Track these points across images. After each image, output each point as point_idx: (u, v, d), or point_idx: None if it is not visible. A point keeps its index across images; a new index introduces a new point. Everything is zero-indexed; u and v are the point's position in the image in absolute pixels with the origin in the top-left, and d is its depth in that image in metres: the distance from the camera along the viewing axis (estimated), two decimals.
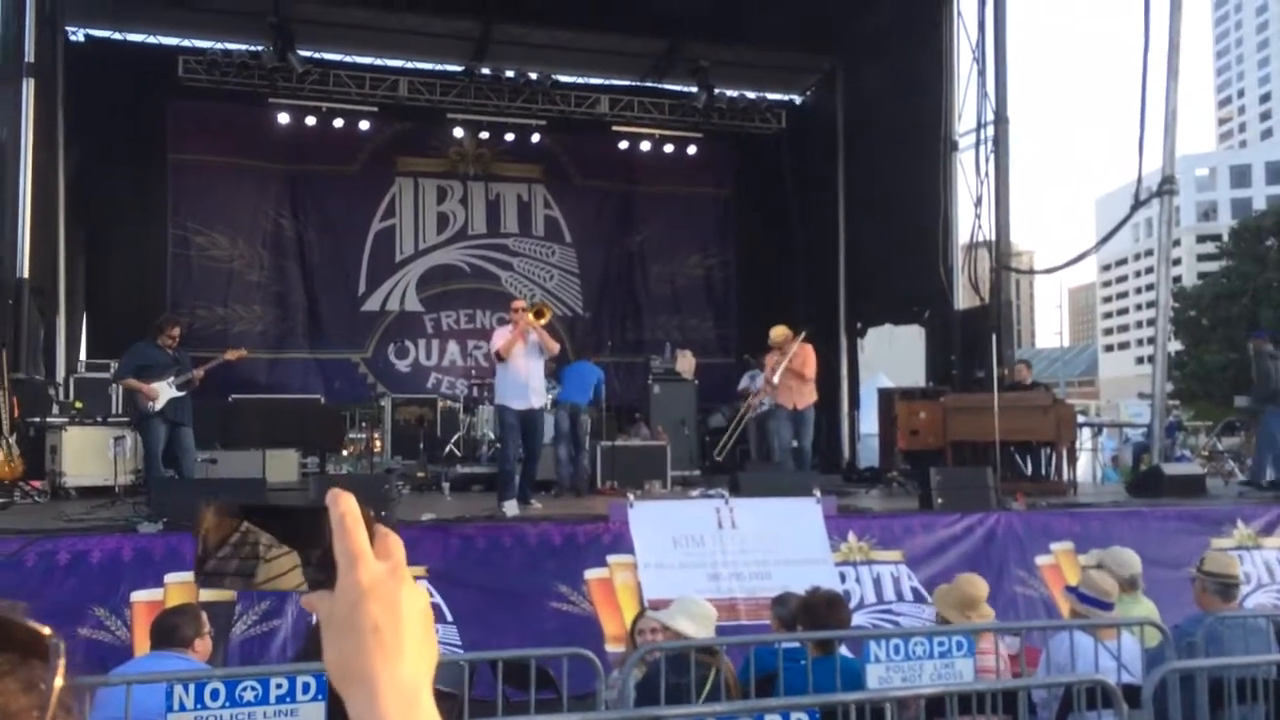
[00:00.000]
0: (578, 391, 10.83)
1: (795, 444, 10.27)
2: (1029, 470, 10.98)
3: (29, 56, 11.51)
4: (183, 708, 3.65)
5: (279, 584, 0.79)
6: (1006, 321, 12.47)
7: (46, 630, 0.54)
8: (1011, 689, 3.97)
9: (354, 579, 0.76)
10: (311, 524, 0.78)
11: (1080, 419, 13.10)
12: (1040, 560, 8.20)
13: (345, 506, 0.77)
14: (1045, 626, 5.58)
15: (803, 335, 10.20)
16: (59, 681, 0.53)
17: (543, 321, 8.83)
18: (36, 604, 6.28)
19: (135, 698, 3.58)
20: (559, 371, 11.21)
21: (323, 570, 0.77)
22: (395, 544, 0.79)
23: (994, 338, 11.15)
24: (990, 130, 12.52)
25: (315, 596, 0.78)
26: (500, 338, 8.90)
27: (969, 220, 12.80)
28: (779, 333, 10.37)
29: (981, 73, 12.59)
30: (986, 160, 12.53)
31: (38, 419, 10.42)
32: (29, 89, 11.50)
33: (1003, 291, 12.49)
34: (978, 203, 12.59)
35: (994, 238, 12.53)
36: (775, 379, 9.97)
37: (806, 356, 10.17)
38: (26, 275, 11.29)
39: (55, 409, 10.87)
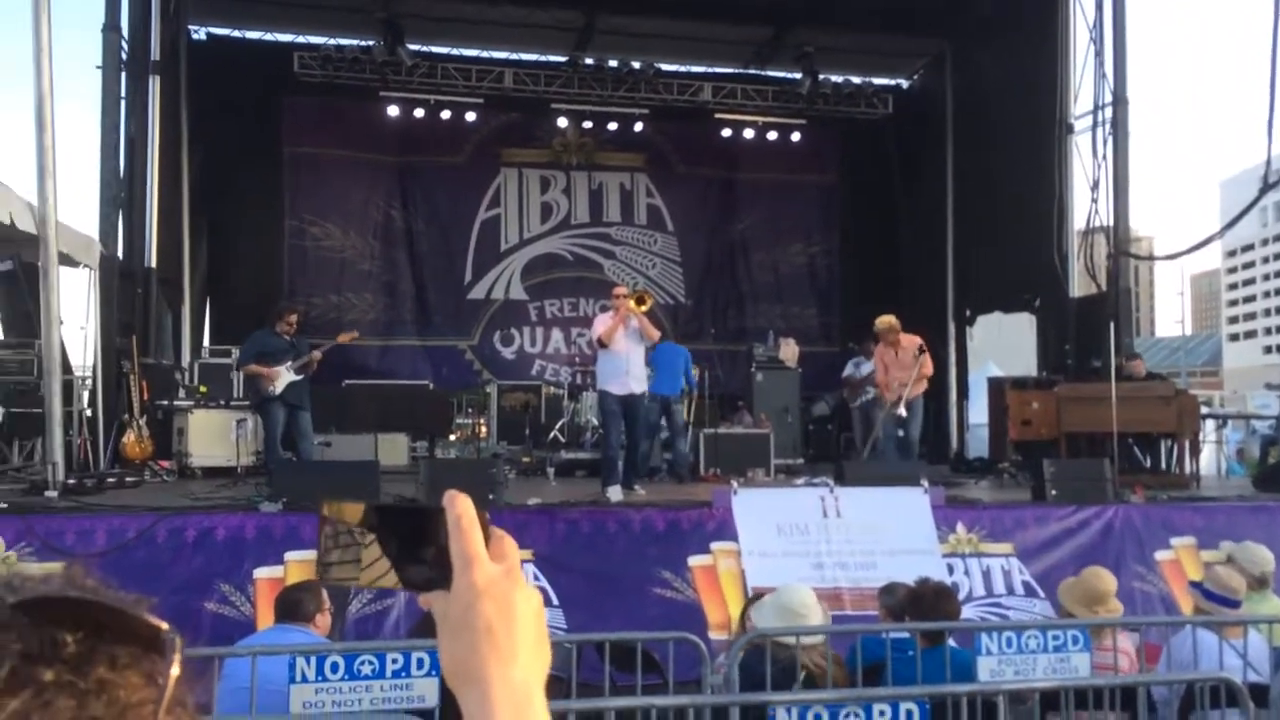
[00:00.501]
0: (668, 382, 10.80)
1: (901, 434, 10.13)
2: (1148, 463, 10.61)
3: (155, 55, 12.03)
4: (305, 679, 3.79)
5: (380, 582, 0.81)
6: (1125, 309, 12.05)
7: (165, 625, 0.56)
8: (1131, 685, 3.86)
9: (469, 580, 0.77)
10: (428, 523, 0.79)
11: (1204, 410, 12.59)
12: (1160, 556, 7.93)
13: (462, 508, 0.78)
14: (1169, 622, 5.40)
15: (919, 346, 10.04)
16: (175, 672, 0.54)
17: (644, 309, 8.88)
18: (167, 579, 6.58)
19: (260, 669, 3.73)
20: (649, 359, 11.18)
21: (437, 569, 0.78)
22: (510, 546, 0.80)
23: (1111, 326, 10.80)
24: (1108, 112, 12.09)
25: (432, 596, 0.79)
26: (601, 324, 8.98)
27: (1085, 205, 12.40)
28: (885, 322, 10.23)
29: (1099, 52, 12.16)
30: (1104, 143, 12.11)
31: (165, 402, 10.90)
32: (155, 86, 12.02)
33: (1121, 278, 12.08)
34: (1094, 187, 12.18)
35: (1112, 223, 12.12)
36: (902, 410, 9.86)
37: (926, 365, 10.07)
38: (154, 265, 11.83)
39: (181, 393, 11.35)
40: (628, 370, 8.87)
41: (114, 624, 0.53)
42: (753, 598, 5.36)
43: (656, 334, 9.12)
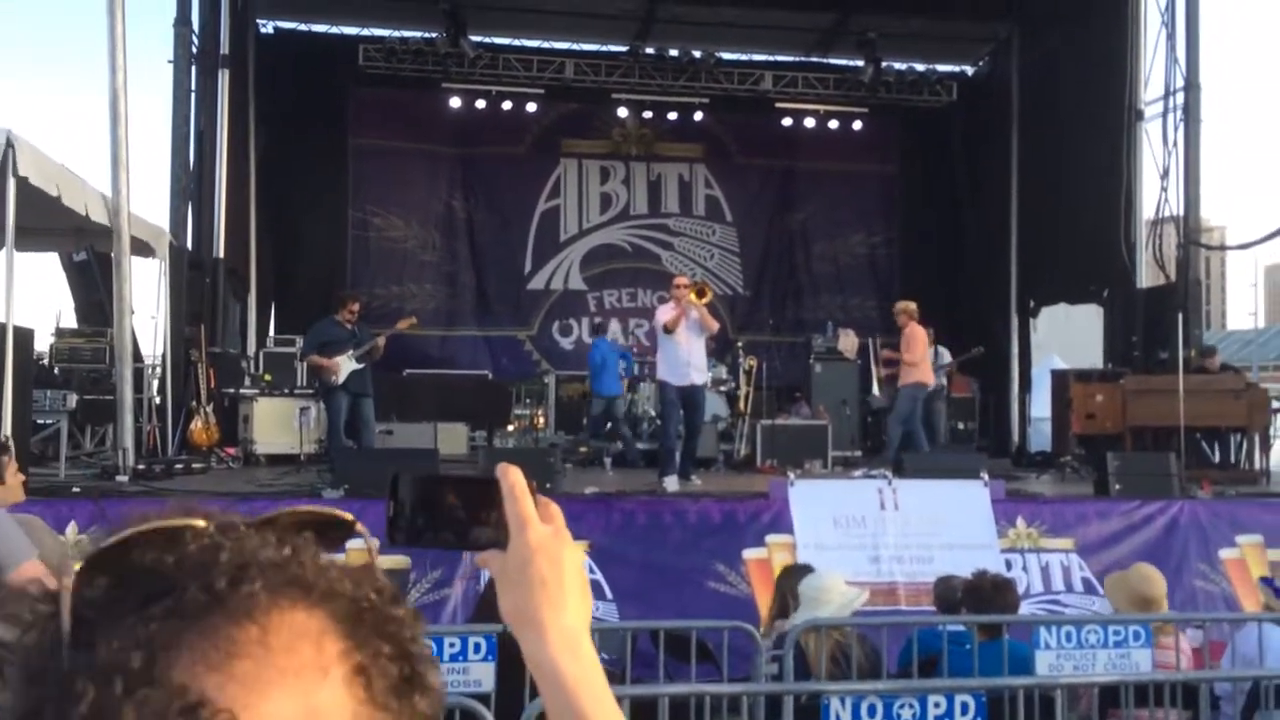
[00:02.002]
0: (611, 384, 11.71)
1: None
2: (1217, 458, 10.38)
3: (224, 49, 12.27)
4: None
5: (446, 544, 0.93)
6: (1194, 301, 11.78)
7: (351, 515, 0.70)
8: (1193, 681, 3.78)
9: (524, 539, 0.89)
10: (485, 493, 0.90)
11: (1275, 404, 12.25)
12: (1224, 554, 7.75)
13: (514, 478, 0.90)
14: (1234, 619, 5.28)
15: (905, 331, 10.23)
16: (374, 542, 0.70)
17: (704, 301, 8.87)
18: None
19: None
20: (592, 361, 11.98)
21: (494, 531, 0.89)
22: (556, 511, 0.92)
23: (1180, 318, 10.57)
24: (1180, 98, 11.80)
25: (489, 555, 0.91)
26: (665, 314, 8.96)
27: (1154, 194, 12.13)
28: (900, 305, 10.43)
29: (1170, 36, 11.87)
30: (1175, 130, 11.82)
31: (231, 390, 11.14)
32: (224, 80, 12.26)
33: (1191, 269, 11.81)
34: (1165, 175, 11.91)
35: (1182, 212, 11.84)
36: (876, 392, 9.96)
37: (907, 350, 10.14)
38: (222, 256, 12.09)
39: (247, 381, 11.58)
40: (689, 361, 8.86)
41: (325, 524, 0.68)
42: (785, 570, 5.33)
43: (716, 325, 9.09)
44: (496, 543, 0.89)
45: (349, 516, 0.70)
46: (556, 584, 0.88)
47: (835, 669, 4.19)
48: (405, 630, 0.65)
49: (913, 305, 10.40)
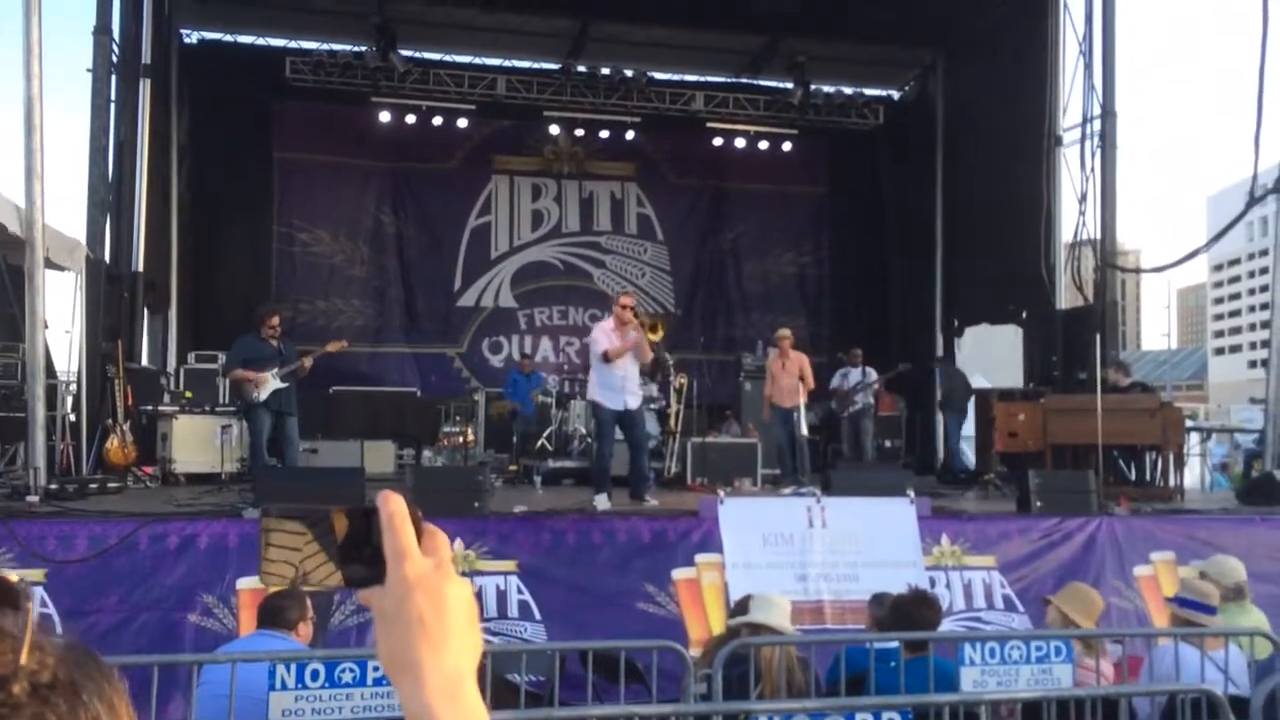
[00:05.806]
0: (528, 405, 12.51)
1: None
2: (1133, 476, 10.65)
3: (146, 58, 11.99)
4: (284, 686, 3.76)
5: (324, 584, 0.83)
6: (1111, 322, 12.12)
7: (15, 578, 0.60)
8: (1113, 697, 3.86)
9: (401, 574, 0.81)
10: (365, 523, 0.82)
11: (1188, 423, 12.64)
12: (1139, 571, 7.94)
13: (394, 506, 0.82)
14: (1152, 634, 5.40)
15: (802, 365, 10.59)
16: (32, 617, 0.58)
17: (655, 338, 8.88)
18: (148, 586, 6.53)
19: (240, 675, 3.70)
20: (510, 387, 12.95)
21: (374, 566, 0.81)
22: (441, 541, 0.84)
23: (1098, 339, 10.85)
24: (1097, 125, 12.16)
25: (369, 592, 0.82)
26: (606, 338, 8.84)
27: (1073, 218, 12.47)
28: (783, 335, 10.90)
29: (1088, 65, 12.23)
30: (1092, 155, 12.18)
31: (150, 407, 10.83)
32: (145, 90, 11.97)
33: (1108, 291, 12.14)
34: (1082, 199, 12.24)
35: (1099, 236, 12.18)
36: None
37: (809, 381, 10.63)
38: (141, 269, 11.78)
39: (166, 398, 11.28)
40: (624, 386, 8.80)
41: None
42: (738, 604, 5.32)
43: (650, 356, 9.04)
44: (372, 579, 0.81)
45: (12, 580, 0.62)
46: (436, 622, 0.80)
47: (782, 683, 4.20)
48: None
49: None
